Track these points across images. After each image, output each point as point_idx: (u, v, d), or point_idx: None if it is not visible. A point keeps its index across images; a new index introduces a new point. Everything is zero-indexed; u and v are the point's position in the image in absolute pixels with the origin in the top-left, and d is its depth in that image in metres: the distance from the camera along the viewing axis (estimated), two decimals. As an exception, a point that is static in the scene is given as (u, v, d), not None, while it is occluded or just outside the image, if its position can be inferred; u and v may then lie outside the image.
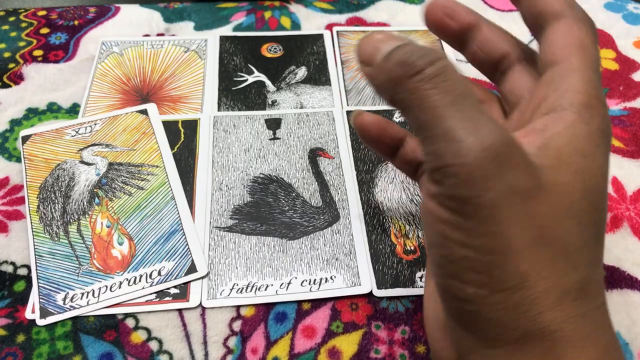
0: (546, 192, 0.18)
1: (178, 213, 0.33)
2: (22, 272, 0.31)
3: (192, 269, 0.31)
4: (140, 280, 0.30)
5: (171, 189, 0.34)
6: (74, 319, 0.29)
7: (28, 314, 0.29)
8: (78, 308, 0.29)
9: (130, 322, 0.29)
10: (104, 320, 0.29)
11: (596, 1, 0.50)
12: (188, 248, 0.32)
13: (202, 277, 0.31)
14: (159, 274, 0.30)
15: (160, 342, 0.28)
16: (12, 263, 0.31)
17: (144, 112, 0.38)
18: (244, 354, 0.28)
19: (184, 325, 0.29)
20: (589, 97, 0.19)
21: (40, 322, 0.29)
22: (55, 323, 0.29)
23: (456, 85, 0.18)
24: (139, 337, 0.28)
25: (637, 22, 0.48)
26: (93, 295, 0.30)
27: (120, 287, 0.30)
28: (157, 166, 0.35)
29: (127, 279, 0.30)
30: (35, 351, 0.28)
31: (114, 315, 0.29)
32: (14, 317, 0.29)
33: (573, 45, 0.20)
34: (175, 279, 0.30)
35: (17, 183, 0.35)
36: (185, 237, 0.32)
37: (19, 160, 0.36)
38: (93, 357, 0.28)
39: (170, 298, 0.30)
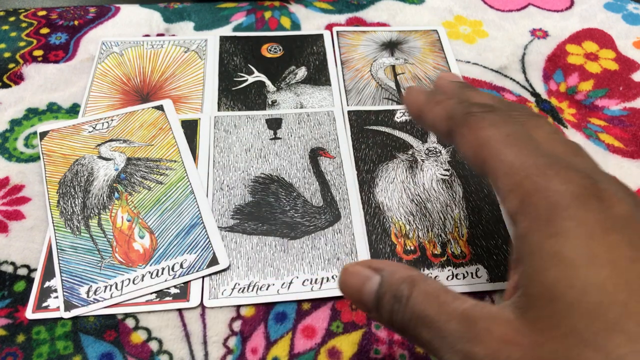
0: None
1: (198, 207, 0.33)
2: (22, 272, 0.31)
3: (214, 261, 0.31)
4: (162, 273, 0.30)
5: (190, 184, 0.34)
6: (74, 319, 0.29)
7: (28, 314, 0.29)
8: (102, 301, 0.29)
9: (130, 322, 0.29)
10: (103, 320, 0.29)
11: (596, 1, 0.50)
12: (209, 241, 0.32)
13: (224, 270, 0.31)
14: (181, 266, 0.31)
15: (160, 342, 0.28)
16: (12, 263, 0.31)
17: (160, 108, 0.39)
18: (244, 354, 0.28)
19: (184, 325, 0.29)
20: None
21: (65, 314, 0.29)
22: (56, 322, 0.29)
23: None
24: (139, 337, 0.28)
25: (637, 22, 0.48)
26: (116, 288, 0.30)
27: (143, 280, 0.30)
28: (175, 161, 0.36)
29: (149, 272, 0.30)
30: (35, 351, 0.28)
31: (113, 315, 0.29)
32: (14, 317, 0.29)
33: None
34: (197, 271, 0.30)
35: (17, 183, 0.35)
36: (206, 230, 0.32)
37: (19, 160, 0.36)
38: (93, 357, 0.28)
39: (171, 298, 0.30)
